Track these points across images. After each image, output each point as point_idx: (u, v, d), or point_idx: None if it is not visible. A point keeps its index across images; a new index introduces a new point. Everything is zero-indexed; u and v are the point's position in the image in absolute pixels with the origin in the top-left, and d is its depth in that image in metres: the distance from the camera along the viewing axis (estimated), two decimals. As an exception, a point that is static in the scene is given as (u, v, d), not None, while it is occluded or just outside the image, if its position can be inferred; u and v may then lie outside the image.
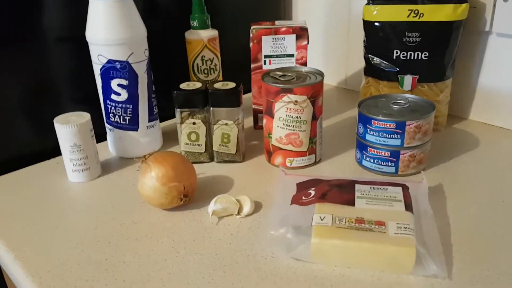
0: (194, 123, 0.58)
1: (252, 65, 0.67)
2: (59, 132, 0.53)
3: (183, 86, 0.58)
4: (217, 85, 0.58)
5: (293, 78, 0.56)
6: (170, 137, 0.68)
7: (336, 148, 0.64)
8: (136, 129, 0.61)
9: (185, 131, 0.59)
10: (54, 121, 0.53)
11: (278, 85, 0.54)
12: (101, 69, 0.56)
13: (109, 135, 0.62)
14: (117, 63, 0.56)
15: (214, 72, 0.70)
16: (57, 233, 0.47)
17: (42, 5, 0.59)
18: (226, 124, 0.58)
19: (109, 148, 0.64)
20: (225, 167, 0.60)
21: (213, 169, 0.59)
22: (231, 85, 0.58)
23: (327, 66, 0.88)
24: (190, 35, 0.67)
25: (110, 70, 0.56)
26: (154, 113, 0.63)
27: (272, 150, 0.58)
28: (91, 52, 0.57)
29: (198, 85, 0.58)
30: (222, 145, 0.59)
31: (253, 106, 0.70)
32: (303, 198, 0.46)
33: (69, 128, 0.52)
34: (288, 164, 0.58)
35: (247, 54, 0.67)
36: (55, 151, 0.63)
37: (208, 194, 0.53)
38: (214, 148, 0.60)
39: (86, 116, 0.55)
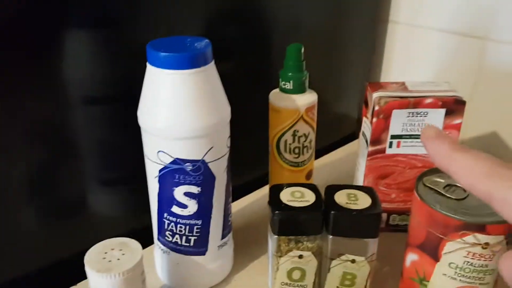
0: (300, 256, 0.40)
1: (370, 148, 0.49)
2: (94, 282, 0.36)
3: (285, 197, 0.40)
4: (340, 199, 0.40)
5: (467, 195, 0.38)
6: (235, 240, 0.50)
7: None
8: (203, 253, 0.43)
9: (284, 267, 0.41)
10: (86, 261, 0.36)
11: (458, 217, 0.35)
12: (160, 171, 0.39)
13: (160, 258, 0.45)
14: (187, 163, 0.38)
15: (307, 152, 0.53)
16: None
17: (67, 53, 0.42)
18: (353, 260, 0.40)
19: (158, 271, 0.47)
20: (341, 320, 0.42)
21: (324, 324, 0.41)
22: (363, 199, 0.40)
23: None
24: (279, 100, 0.50)
25: (176, 173, 0.39)
26: (229, 223, 0.46)
27: (424, 304, 0.40)
28: (144, 142, 0.40)
29: (309, 196, 0.40)
30: (341, 288, 0.41)
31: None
32: None
33: (111, 278, 0.35)
34: (451, 330, 0.40)
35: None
36: (72, 267, 0.45)
37: None
38: (327, 291, 0.42)
39: (136, 251, 0.37)
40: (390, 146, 0.49)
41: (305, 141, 0.52)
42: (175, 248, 0.43)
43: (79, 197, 0.48)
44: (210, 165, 0.39)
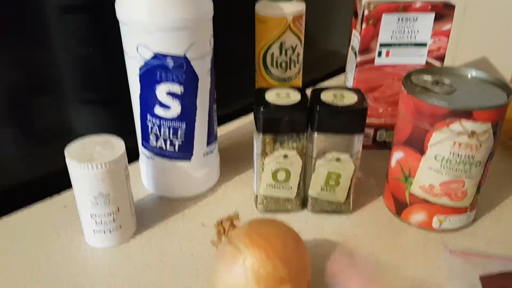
0: (285, 156, 0.40)
1: (359, 58, 0.48)
2: (75, 174, 0.35)
3: (270, 97, 0.39)
4: (326, 97, 0.39)
5: (455, 89, 0.37)
6: (222, 158, 0.49)
7: (483, 190, 0.45)
8: (189, 158, 0.43)
9: (269, 168, 0.40)
10: (66, 154, 0.35)
11: (444, 104, 0.34)
12: (141, 69, 0.37)
13: (145, 165, 0.44)
14: (169, 58, 0.37)
15: (295, 66, 0.51)
16: None
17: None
18: (338, 159, 0.39)
19: (143, 181, 0.46)
20: (326, 222, 0.42)
21: (309, 226, 0.41)
22: (349, 96, 0.39)
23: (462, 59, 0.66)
24: (266, 9, 0.48)
25: (157, 70, 0.37)
26: (214, 132, 0.45)
27: (409, 201, 0.40)
28: (123, 38, 0.38)
29: (294, 96, 0.39)
30: (326, 189, 0.41)
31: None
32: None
33: (92, 169, 0.34)
34: (435, 226, 0.40)
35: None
36: (56, 180, 0.44)
37: (320, 284, 0.35)
38: (312, 193, 0.42)
39: (118, 147, 0.36)
40: (379, 55, 0.47)
41: (292, 54, 0.50)
42: (160, 153, 0.42)
43: (61, 118, 0.46)
44: (192, 63, 0.38)
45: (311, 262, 0.32)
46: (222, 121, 0.59)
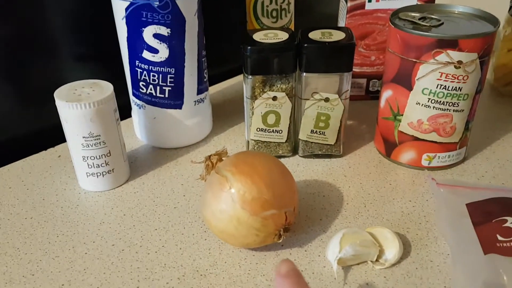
0: (274, 98, 0.40)
1: (350, 3, 0.48)
2: (64, 114, 0.35)
3: (258, 37, 0.39)
4: (314, 35, 0.39)
5: (442, 22, 0.37)
6: (215, 114, 0.50)
7: (476, 134, 0.45)
8: (179, 106, 0.43)
9: (259, 111, 0.40)
10: (56, 96, 0.35)
11: (429, 34, 0.34)
12: (126, 9, 0.38)
13: (137, 114, 0.45)
14: (153, -2, 0.37)
15: (286, 15, 0.51)
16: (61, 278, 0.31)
17: None
18: (327, 99, 0.40)
19: (136, 132, 0.47)
20: (317, 165, 0.42)
21: (300, 169, 0.42)
22: (337, 35, 0.39)
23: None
24: (253, -44, 0.47)
25: (143, 11, 0.37)
26: (205, 80, 0.45)
27: (398, 140, 0.40)
28: (108, -19, 0.38)
29: (282, 35, 0.39)
30: (316, 131, 0.42)
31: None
32: (500, 238, 0.29)
33: (81, 109, 0.35)
34: (424, 164, 0.40)
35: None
36: (51, 135, 0.45)
37: (308, 217, 0.36)
38: (302, 136, 0.42)
39: (107, 88, 0.37)
40: (370, 0, 0.47)
41: (283, 2, 0.50)
42: (150, 100, 0.42)
43: (55, 74, 0.47)
44: (178, 3, 0.38)
45: (298, 190, 0.33)
46: (216, 80, 0.59)
